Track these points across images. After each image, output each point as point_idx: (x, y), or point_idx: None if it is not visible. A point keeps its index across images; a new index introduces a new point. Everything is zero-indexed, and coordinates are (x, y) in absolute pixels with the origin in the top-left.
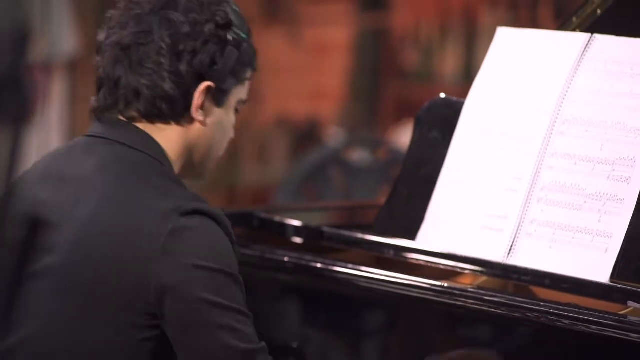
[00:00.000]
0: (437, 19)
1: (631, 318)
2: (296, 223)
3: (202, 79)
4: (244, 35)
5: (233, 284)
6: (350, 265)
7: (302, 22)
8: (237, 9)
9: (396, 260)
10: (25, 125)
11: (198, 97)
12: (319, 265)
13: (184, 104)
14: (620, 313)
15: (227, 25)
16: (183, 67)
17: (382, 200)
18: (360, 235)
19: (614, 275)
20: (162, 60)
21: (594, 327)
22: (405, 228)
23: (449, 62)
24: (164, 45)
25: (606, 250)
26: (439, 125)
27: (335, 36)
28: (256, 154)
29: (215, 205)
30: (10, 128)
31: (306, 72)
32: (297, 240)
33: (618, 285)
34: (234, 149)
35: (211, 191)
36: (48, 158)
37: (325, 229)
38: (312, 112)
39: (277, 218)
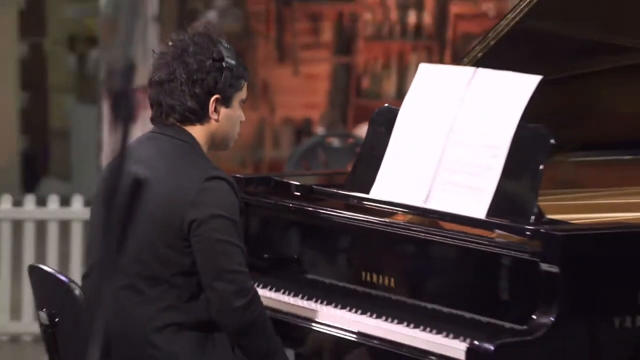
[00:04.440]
0: (382, 59)
1: (497, 239)
2: (296, 183)
3: (212, 94)
4: (233, 62)
5: (233, 224)
6: (329, 209)
7: (300, 61)
8: (227, 45)
9: (357, 206)
10: (131, 125)
11: (211, 106)
12: (310, 209)
13: (202, 112)
14: (490, 236)
15: (221, 59)
16: (198, 90)
17: (349, 169)
18: (335, 191)
19: (487, 214)
20: (184, 88)
21: (474, 244)
22: (363, 186)
23: (390, 85)
24: (183, 80)
25: (483, 198)
26: (384, 123)
27: (320, 70)
28: (272, 142)
29: (246, 173)
30: (122, 127)
31: (303, 92)
32: (297, 193)
33: (490, 220)
34: (259, 139)
35: (245, 165)
36: (132, 146)
37: (314, 187)
38: (306, 116)
39: (285, 180)
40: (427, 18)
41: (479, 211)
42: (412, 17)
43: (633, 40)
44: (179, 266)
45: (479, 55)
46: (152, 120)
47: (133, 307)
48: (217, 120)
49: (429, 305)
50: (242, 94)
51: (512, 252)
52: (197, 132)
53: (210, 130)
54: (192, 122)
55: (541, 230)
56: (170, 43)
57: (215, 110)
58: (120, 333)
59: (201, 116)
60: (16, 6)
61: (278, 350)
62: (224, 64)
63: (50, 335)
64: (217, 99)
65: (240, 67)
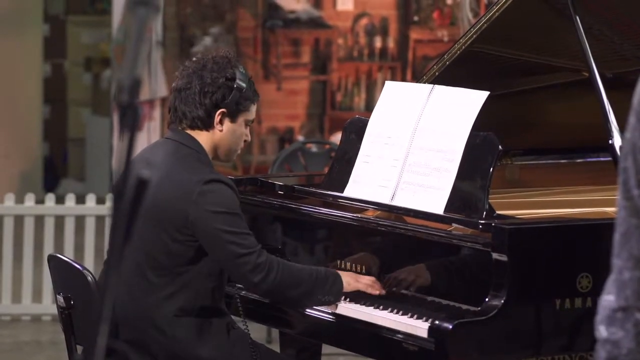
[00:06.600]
0: (353, 77)
1: (454, 232)
2: (280, 183)
3: (218, 107)
4: (243, 84)
5: (234, 217)
6: (308, 206)
7: (283, 79)
8: (242, 69)
9: (333, 203)
10: (136, 132)
11: (217, 117)
12: (292, 206)
13: (210, 120)
14: (448, 229)
15: (233, 79)
16: (207, 101)
17: (325, 171)
18: (314, 190)
19: (445, 210)
20: (196, 98)
21: (434, 236)
22: (338, 186)
23: (360, 100)
24: (197, 90)
25: (441, 196)
26: (355, 132)
27: (300, 86)
28: (259, 148)
29: (236, 175)
30: (128, 134)
31: (285, 105)
32: (280, 192)
33: (447, 215)
34: (248, 146)
35: (236, 168)
36: (143, 150)
37: (295, 186)
38: (288, 126)
39: (270, 180)
40: (391, 43)
41: (438, 207)
42: (378, 42)
43: (564, 61)
44: (184, 258)
45: (436, 74)
46: (169, 124)
47: (141, 293)
48: (221, 131)
49: (396, 290)
50: (249, 115)
51: (467, 243)
52: (204, 138)
53: (215, 138)
54: (199, 128)
55: (492, 224)
56: (194, 58)
57: (220, 121)
58: (128, 317)
59: (207, 124)
60: (41, 33)
61: (312, 288)
62: (234, 84)
63: (66, 316)
64: (222, 112)
65: (250, 91)
